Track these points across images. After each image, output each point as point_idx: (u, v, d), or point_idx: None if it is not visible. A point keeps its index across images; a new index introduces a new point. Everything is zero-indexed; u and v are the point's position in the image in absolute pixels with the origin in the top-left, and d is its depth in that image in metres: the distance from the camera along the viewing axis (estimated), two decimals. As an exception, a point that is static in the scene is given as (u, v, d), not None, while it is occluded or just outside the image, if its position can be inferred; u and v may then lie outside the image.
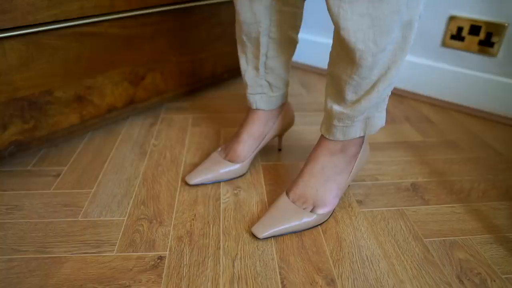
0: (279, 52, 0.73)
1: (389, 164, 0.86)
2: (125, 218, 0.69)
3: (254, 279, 0.58)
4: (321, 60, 1.40)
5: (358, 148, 0.69)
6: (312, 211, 0.66)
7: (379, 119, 0.65)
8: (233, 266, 0.60)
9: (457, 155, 0.91)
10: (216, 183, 0.78)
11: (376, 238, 0.66)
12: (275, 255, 0.62)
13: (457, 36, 1.08)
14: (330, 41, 1.35)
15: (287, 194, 0.69)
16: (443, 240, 0.66)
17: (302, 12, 0.72)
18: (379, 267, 0.60)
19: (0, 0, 0.67)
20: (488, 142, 0.97)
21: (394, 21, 0.52)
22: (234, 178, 0.80)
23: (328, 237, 0.66)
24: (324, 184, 0.67)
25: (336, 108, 0.63)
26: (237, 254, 0.62)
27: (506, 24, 1.00)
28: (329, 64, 0.63)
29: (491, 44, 1.04)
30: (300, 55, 1.46)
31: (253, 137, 0.79)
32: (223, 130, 0.99)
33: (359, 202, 0.74)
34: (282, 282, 0.57)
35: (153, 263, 0.60)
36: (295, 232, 0.66)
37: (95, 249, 0.62)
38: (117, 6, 0.84)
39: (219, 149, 0.82)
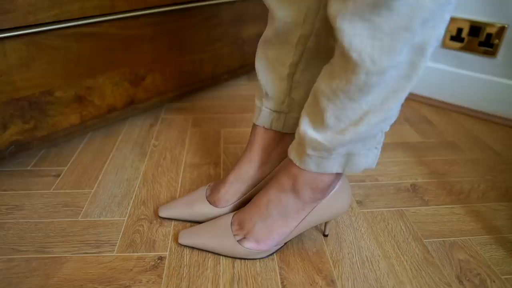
0: (313, 65, 0.60)
1: (389, 165, 0.87)
2: (125, 218, 0.69)
3: (254, 280, 0.58)
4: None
5: (319, 196, 0.57)
6: (240, 241, 0.59)
7: (365, 158, 0.53)
8: (233, 266, 0.60)
9: (457, 156, 0.91)
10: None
11: (376, 239, 0.66)
12: (275, 256, 0.62)
13: (457, 37, 1.09)
14: (330, 41, 1.35)
15: (234, 215, 0.63)
16: (443, 240, 0.66)
17: None
18: (379, 267, 0.60)
19: (1, 0, 0.67)
20: (487, 143, 0.97)
21: (401, 39, 0.42)
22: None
23: (328, 238, 0.66)
24: (265, 221, 0.59)
25: (312, 134, 0.51)
26: (237, 254, 0.62)
27: (506, 26, 1.00)
28: (320, 75, 0.52)
29: (491, 45, 1.04)
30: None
31: (241, 180, 0.67)
32: (223, 130, 0.99)
33: (359, 203, 0.74)
34: (282, 283, 0.57)
35: (153, 263, 0.60)
36: (215, 254, 0.62)
37: (95, 249, 0.62)
38: (118, 7, 0.84)
39: (212, 183, 0.71)
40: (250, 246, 0.59)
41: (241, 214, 0.61)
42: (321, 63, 0.57)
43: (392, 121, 0.52)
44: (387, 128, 0.53)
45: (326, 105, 0.49)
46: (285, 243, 0.62)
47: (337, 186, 0.59)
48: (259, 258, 0.61)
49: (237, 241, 0.59)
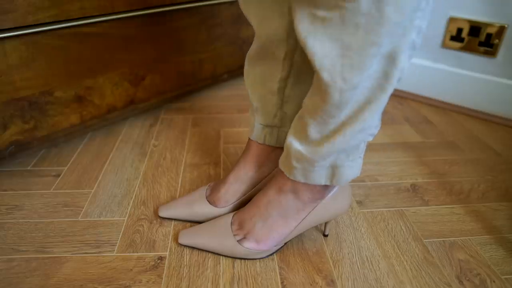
0: (302, 79, 0.60)
1: (389, 165, 0.87)
2: (125, 219, 0.69)
3: (254, 280, 0.58)
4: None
5: (318, 197, 0.58)
6: (240, 241, 0.59)
7: (350, 169, 0.54)
8: (233, 266, 0.60)
9: (457, 156, 0.91)
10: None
11: (376, 239, 0.66)
12: (275, 256, 0.62)
13: (457, 37, 1.09)
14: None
15: (234, 214, 0.63)
16: (443, 240, 0.66)
17: None
18: (379, 267, 0.60)
19: (1, 0, 0.67)
20: (487, 143, 0.97)
21: (370, 54, 0.42)
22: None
23: (328, 238, 0.66)
24: (265, 221, 0.59)
25: (296, 145, 0.53)
26: (237, 254, 0.62)
27: (506, 25, 1.00)
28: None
29: (491, 45, 1.04)
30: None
31: (241, 181, 0.67)
32: (223, 130, 0.99)
33: (359, 203, 0.74)
34: (282, 283, 0.57)
35: (153, 263, 0.60)
36: (215, 254, 0.62)
37: (95, 249, 0.62)
38: (117, 7, 0.84)
39: (212, 183, 0.71)
40: (250, 246, 0.59)
41: (241, 214, 0.61)
42: (311, 77, 0.58)
43: (374, 131, 0.51)
44: (369, 138, 0.52)
45: (309, 120, 0.50)
46: (285, 243, 0.62)
47: (336, 187, 0.59)
48: (259, 258, 0.61)
49: (237, 241, 0.59)
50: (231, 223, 0.61)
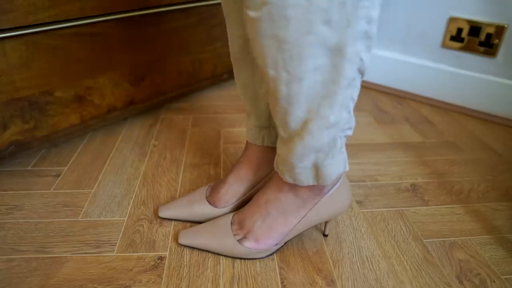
0: None
1: (389, 165, 0.87)
2: (125, 218, 0.69)
3: (254, 280, 0.58)
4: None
5: (316, 195, 0.58)
6: (240, 241, 0.59)
7: (333, 167, 0.53)
8: (233, 266, 0.60)
9: (457, 156, 0.91)
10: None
11: (376, 239, 0.66)
12: (275, 256, 0.62)
13: (457, 37, 1.09)
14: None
15: (234, 214, 0.63)
16: (443, 240, 0.66)
17: None
18: (379, 267, 0.60)
19: (1, 0, 0.67)
20: (488, 143, 0.97)
21: (308, 44, 0.42)
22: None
23: (328, 238, 0.66)
24: (265, 220, 0.59)
25: (278, 148, 0.54)
26: (237, 254, 0.62)
27: (506, 25, 1.00)
28: None
29: (491, 45, 1.04)
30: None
31: (240, 181, 0.67)
32: (223, 130, 0.99)
33: (359, 203, 0.74)
34: (282, 283, 0.57)
35: (153, 263, 0.60)
36: (215, 254, 0.61)
37: (95, 249, 0.62)
38: (117, 7, 0.84)
39: (212, 183, 0.71)
40: (250, 246, 0.59)
41: (241, 214, 0.61)
42: None
43: (346, 127, 0.51)
44: (347, 133, 0.52)
45: (276, 122, 0.51)
46: (285, 243, 0.62)
47: (337, 185, 0.59)
48: (259, 258, 0.61)
49: (237, 240, 0.59)
50: (231, 223, 0.61)
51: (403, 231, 0.68)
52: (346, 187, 0.61)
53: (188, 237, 0.62)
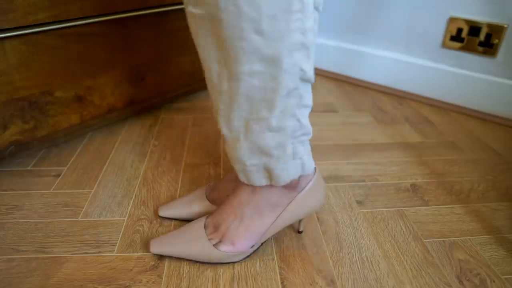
0: None
1: (389, 165, 0.87)
2: (125, 218, 0.69)
3: (254, 279, 0.58)
4: (321, 61, 1.40)
5: (285, 197, 0.58)
6: (216, 245, 0.58)
7: (286, 172, 0.54)
8: (233, 266, 0.60)
9: (457, 156, 0.91)
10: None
11: (376, 239, 0.66)
12: (275, 256, 0.62)
13: (457, 37, 1.09)
14: (330, 42, 1.35)
15: (207, 217, 0.61)
16: (443, 240, 0.66)
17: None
18: (379, 267, 0.60)
19: (1, 0, 0.67)
20: (488, 143, 0.97)
21: (243, 49, 0.44)
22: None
23: (328, 238, 0.66)
24: (240, 221, 0.58)
25: (225, 147, 0.55)
26: (237, 254, 0.62)
27: (506, 25, 1.00)
28: None
29: (491, 45, 1.04)
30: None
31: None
32: (223, 130, 0.99)
33: (359, 203, 0.74)
34: (282, 283, 0.57)
35: (153, 263, 0.60)
36: (190, 260, 0.60)
37: (95, 249, 0.62)
38: (117, 6, 0.84)
39: (212, 183, 0.71)
40: (226, 249, 0.58)
41: (214, 217, 0.60)
42: None
43: (299, 133, 0.52)
44: (303, 139, 0.53)
45: (217, 114, 0.52)
46: (261, 244, 0.61)
47: (310, 183, 0.59)
48: (235, 262, 0.60)
49: (213, 245, 0.58)
50: (205, 227, 0.60)
51: (403, 231, 0.68)
52: (319, 185, 0.61)
53: (160, 246, 0.60)
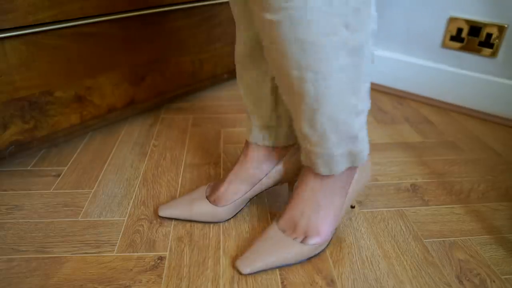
0: None
1: (389, 165, 0.87)
2: (125, 218, 0.69)
3: (254, 279, 0.58)
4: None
5: (351, 170, 0.60)
6: (303, 241, 0.59)
7: (364, 147, 0.57)
8: (233, 266, 0.60)
9: (457, 156, 0.91)
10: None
11: (376, 239, 0.66)
12: (275, 256, 0.62)
13: (457, 37, 1.09)
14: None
15: (277, 222, 0.62)
16: (443, 240, 0.66)
17: None
18: (379, 267, 0.60)
19: (1, 0, 0.67)
20: (487, 143, 0.97)
21: (332, 45, 0.45)
22: (212, 223, 0.68)
23: (328, 238, 0.66)
24: (317, 211, 0.59)
25: (306, 145, 0.56)
26: (237, 254, 0.62)
27: (506, 25, 1.00)
28: None
29: (491, 45, 1.04)
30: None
31: (240, 179, 0.67)
32: (223, 130, 0.99)
33: (359, 203, 0.74)
34: (282, 283, 0.57)
35: (153, 263, 0.60)
36: (285, 266, 0.60)
37: (95, 249, 0.62)
38: (118, 7, 0.84)
39: (212, 183, 0.71)
40: (315, 241, 0.59)
41: (287, 217, 0.61)
42: None
43: (364, 114, 0.55)
44: (364, 120, 0.56)
45: (297, 119, 0.53)
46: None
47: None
48: (321, 251, 0.61)
49: (300, 242, 0.59)
50: (282, 231, 0.61)
51: (403, 231, 0.68)
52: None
53: (251, 263, 0.58)
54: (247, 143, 0.68)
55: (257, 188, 0.68)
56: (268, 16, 0.44)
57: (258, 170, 0.67)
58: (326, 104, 0.49)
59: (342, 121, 0.52)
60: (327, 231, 0.60)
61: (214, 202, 0.67)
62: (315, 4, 0.42)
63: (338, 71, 0.47)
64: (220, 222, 0.68)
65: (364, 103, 0.53)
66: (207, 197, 0.68)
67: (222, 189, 0.67)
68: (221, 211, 0.67)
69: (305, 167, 0.61)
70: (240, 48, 0.60)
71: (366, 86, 0.52)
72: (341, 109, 0.51)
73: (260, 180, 0.67)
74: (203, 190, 0.69)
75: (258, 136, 0.65)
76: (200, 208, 0.67)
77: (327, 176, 0.59)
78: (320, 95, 0.48)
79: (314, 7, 0.42)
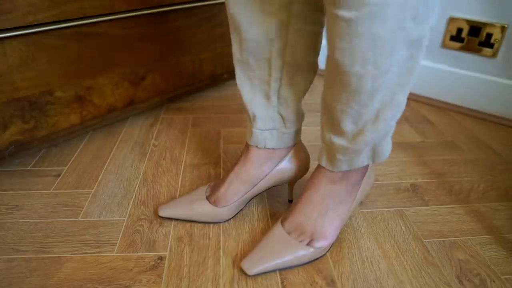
0: (296, 79, 0.61)
1: (389, 165, 0.87)
2: (125, 218, 0.69)
3: (254, 279, 0.58)
4: (321, 61, 1.40)
5: (363, 174, 0.62)
6: (309, 244, 0.59)
7: (387, 146, 0.58)
8: (233, 266, 0.60)
9: (457, 156, 0.91)
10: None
11: (376, 239, 0.66)
12: (275, 256, 0.62)
13: (457, 37, 1.09)
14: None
15: (282, 223, 0.62)
16: (443, 240, 0.66)
17: (323, 31, 0.58)
18: (379, 267, 0.60)
19: (1, 0, 0.67)
20: (487, 143, 0.97)
21: (399, 39, 0.44)
22: (212, 223, 0.68)
23: (328, 238, 0.66)
24: (325, 215, 0.60)
25: (337, 141, 0.56)
26: (237, 254, 0.62)
27: (506, 25, 1.00)
28: (323, 88, 0.55)
29: (491, 45, 1.04)
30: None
31: (240, 180, 0.66)
32: (223, 130, 0.99)
33: (359, 203, 0.74)
34: (282, 283, 0.57)
35: (153, 263, 0.60)
36: (289, 268, 0.60)
37: (95, 249, 0.62)
38: (117, 7, 0.84)
39: (212, 183, 0.71)
40: (321, 245, 0.60)
41: (293, 219, 0.61)
42: (305, 76, 0.61)
43: (402, 110, 0.54)
44: (398, 118, 0.56)
45: (340, 116, 0.53)
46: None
47: (368, 171, 0.64)
48: (325, 254, 0.62)
49: (306, 245, 0.59)
50: (288, 234, 0.61)
51: (403, 231, 0.68)
52: (371, 166, 0.65)
53: (257, 264, 0.58)
54: (247, 144, 0.67)
55: (257, 189, 0.67)
56: (344, 13, 0.42)
57: (259, 171, 0.66)
58: (377, 99, 0.49)
59: (385, 117, 0.52)
60: (333, 234, 0.61)
61: (214, 203, 0.67)
62: (394, 1, 0.41)
63: (396, 65, 0.47)
64: (220, 222, 0.68)
65: (405, 100, 0.52)
66: (207, 198, 0.68)
67: (222, 189, 0.67)
68: (221, 211, 0.66)
69: (316, 171, 0.62)
70: (242, 53, 0.59)
71: (409, 88, 0.51)
72: (389, 104, 0.51)
73: (261, 180, 0.67)
74: (203, 190, 0.69)
75: (260, 140, 0.65)
76: (200, 208, 0.67)
77: (339, 183, 0.60)
78: (375, 90, 0.48)
79: (393, 2, 0.41)
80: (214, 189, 0.68)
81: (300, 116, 0.66)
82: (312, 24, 0.56)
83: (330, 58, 0.49)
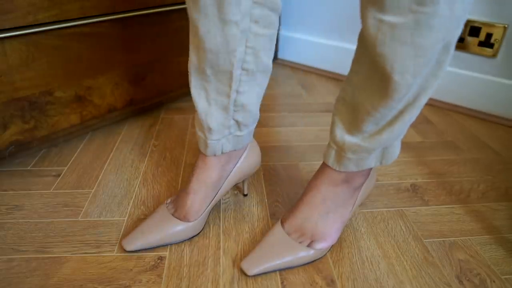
0: (252, 85, 0.58)
1: (389, 165, 0.87)
2: (125, 218, 0.69)
3: (254, 280, 0.58)
4: (321, 61, 1.40)
5: (365, 178, 0.62)
6: (309, 245, 0.59)
7: (397, 147, 0.58)
8: (233, 266, 0.60)
9: (457, 156, 0.91)
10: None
11: (376, 239, 0.66)
12: (275, 256, 0.62)
13: (457, 37, 1.09)
14: (330, 42, 1.35)
15: (282, 224, 0.62)
16: (443, 240, 0.66)
17: (277, 33, 0.58)
18: (379, 267, 0.60)
19: (1, 0, 0.67)
20: (487, 143, 0.97)
21: (437, 49, 0.45)
22: (186, 240, 0.64)
23: (328, 238, 0.66)
24: (326, 217, 0.60)
25: (350, 139, 0.56)
26: (237, 254, 0.62)
27: (506, 25, 1.00)
28: (346, 89, 0.55)
29: (491, 45, 1.04)
30: (301, 56, 1.46)
31: (205, 186, 0.63)
32: (223, 130, 0.99)
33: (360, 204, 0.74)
34: (282, 283, 0.57)
35: (153, 263, 0.60)
36: (289, 268, 0.59)
37: (95, 249, 0.62)
38: (117, 7, 0.84)
39: (169, 199, 0.66)
40: (321, 246, 0.60)
41: (294, 220, 0.61)
42: (263, 80, 0.60)
43: (419, 113, 0.56)
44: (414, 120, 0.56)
45: (365, 117, 0.53)
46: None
47: (371, 174, 0.64)
48: (325, 255, 0.62)
49: (306, 246, 0.59)
50: (288, 234, 0.61)
51: (403, 231, 0.68)
52: (374, 169, 0.66)
53: (255, 265, 0.57)
54: (202, 157, 0.64)
55: (222, 191, 0.65)
56: (389, 17, 0.42)
57: (222, 173, 0.64)
58: (402, 103, 0.50)
59: (404, 118, 0.52)
60: (334, 236, 0.61)
61: (185, 218, 0.62)
62: (443, 12, 0.41)
63: (431, 74, 0.48)
64: (194, 236, 0.64)
65: (423, 104, 0.52)
66: (173, 215, 0.63)
67: (189, 202, 0.62)
68: (195, 224, 0.63)
69: (319, 171, 0.62)
70: (197, 58, 0.55)
71: (432, 92, 0.51)
72: (411, 107, 0.51)
73: (225, 179, 0.65)
74: (164, 210, 0.65)
75: (216, 149, 0.62)
76: (171, 228, 0.62)
77: (341, 185, 0.60)
78: (404, 96, 0.48)
79: (441, 12, 0.41)
80: (177, 204, 0.64)
81: (256, 118, 0.63)
82: (268, 28, 0.54)
83: (369, 61, 0.49)
